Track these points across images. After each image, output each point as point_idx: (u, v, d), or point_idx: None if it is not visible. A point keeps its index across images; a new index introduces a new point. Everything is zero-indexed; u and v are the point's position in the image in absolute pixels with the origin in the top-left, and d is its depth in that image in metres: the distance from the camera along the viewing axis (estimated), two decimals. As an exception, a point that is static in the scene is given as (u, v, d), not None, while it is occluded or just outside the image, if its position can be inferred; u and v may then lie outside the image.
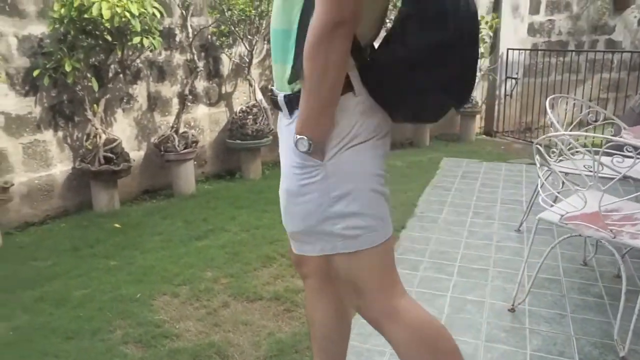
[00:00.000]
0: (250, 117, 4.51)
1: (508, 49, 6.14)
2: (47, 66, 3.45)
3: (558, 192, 2.43)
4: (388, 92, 1.19)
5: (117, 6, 3.18)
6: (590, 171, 2.43)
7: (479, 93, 6.28)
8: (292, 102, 1.20)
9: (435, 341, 1.29)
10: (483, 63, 6.11)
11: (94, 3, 3.12)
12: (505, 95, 6.24)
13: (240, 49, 4.59)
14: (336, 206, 1.18)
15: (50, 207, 3.79)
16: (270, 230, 3.43)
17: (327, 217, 1.19)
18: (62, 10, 3.24)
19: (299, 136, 1.14)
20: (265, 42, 4.64)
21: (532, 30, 6.39)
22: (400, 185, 4.38)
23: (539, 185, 2.47)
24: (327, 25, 1.05)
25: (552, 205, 2.36)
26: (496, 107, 6.36)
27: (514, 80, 6.18)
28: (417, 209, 3.78)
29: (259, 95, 4.57)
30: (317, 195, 1.19)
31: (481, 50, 5.98)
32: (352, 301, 1.34)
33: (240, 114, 4.54)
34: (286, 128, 1.25)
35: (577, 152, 2.76)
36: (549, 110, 3.04)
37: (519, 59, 6.11)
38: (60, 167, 3.79)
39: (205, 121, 4.64)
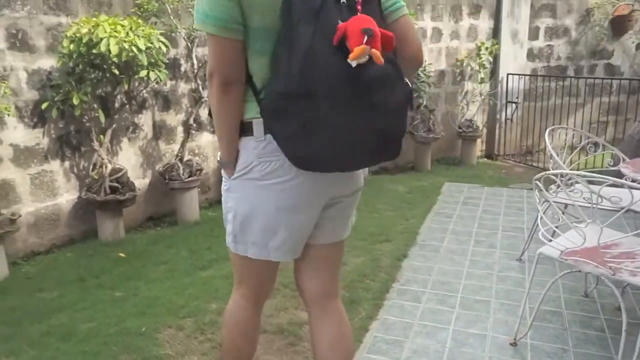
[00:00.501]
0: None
1: (508, 74, 6.22)
2: (56, 99, 3.53)
3: (557, 227, 2.47)
4: (273, 136, 1.35)
5: (125, 42, 3.26)
6: (590, 203, 2.46)
7: (479, 117, 6.35)
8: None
9: None
10: (483, 88, 6.19)
11: (102, 39, 3.20)
12: (506, 119, 6.31)
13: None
14: (226, 213, 1.56)
15: (56, 236, 3.83)
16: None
17: (225, 219, 1.58)
18: (72, 46, 3.33)
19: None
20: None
21: (531, 55, 6.48)
22: (403, 211, 4.42)
23: (539, 219, 2.51)
24: (210, 83, 1.37)
25: (551, 240, 2.39)
26: (497, 131, 6.42)
27: (514, 105, 6.25)
28: (419, 237, 3.81)
29: (263, 123, 4.63)
30: (223, 199, 1.57)
31: (481, 75, 6.07)
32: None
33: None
34: None
35: (576, 182, 2.80)
36: (548, 142, 3.09)
37: (519, 84, 6.19)
38: (67, 196, 3.85)
39: (209, 148, 4.70)
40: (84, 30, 3.27)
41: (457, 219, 4.21)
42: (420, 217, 4.24)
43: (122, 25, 3.37)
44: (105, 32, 3.24)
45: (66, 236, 3.88)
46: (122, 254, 3.64)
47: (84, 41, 3.27)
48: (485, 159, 6.49)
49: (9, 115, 3.35)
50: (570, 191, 2.86)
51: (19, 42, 3.47)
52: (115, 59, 3.32)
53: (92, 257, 3.63)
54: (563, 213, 2.46)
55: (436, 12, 5.87)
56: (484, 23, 6.19)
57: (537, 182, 2.38)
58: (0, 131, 3.44)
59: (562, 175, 3.01)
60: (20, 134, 3.55)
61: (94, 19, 3.41)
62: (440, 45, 6.01)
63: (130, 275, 3.31)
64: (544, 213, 2.52)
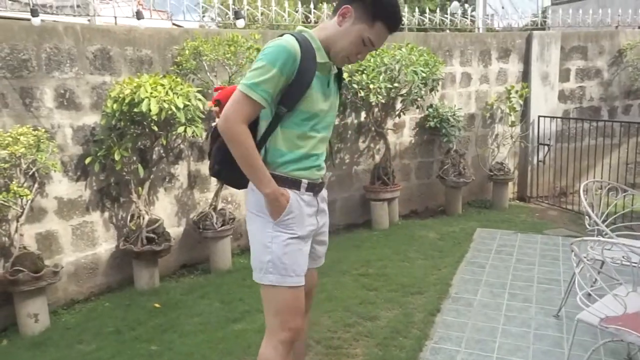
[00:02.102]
0: (285, 192, 4.64)
1: (539, 117, 6.18)
2: (98, 153, 3.70)
3: (593, 286, 2.42)
4: None
5: (165, 101, 3.42)
6: (629, 262, 2.41)
7: (511, 160, 6.30)
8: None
9: None
10: (514, 131, 6.16)
11: (143, 99, 3.36)
12: (538, 161, 6.24)
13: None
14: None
15: (94, 285, 3.95)
16: (305, 312, 3.47)
17: None
18: (114, 106, 3.50)
19: None
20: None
21: (562, 97, 6.44)
22: (434, 260, 4.38)
23: (576, 283, 2.46)
24: (232, 130, 1.83)
25: (590, 304, 2.34)
26: (529, 174, 6.35)
27: (546, 147, 6.19)
28: (452, 289, 3.77)
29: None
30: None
31: (512, 118, 6.05)
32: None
33: (276, 189, 4.67)
34: None
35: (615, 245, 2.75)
36: (583, 198, 3.05)
37: (551, 126, 6.14)
38: (105, 245, 3.98)
39: (242, 196, 4.80)
40: (127, 91, 3.44)
41: (490, 269, 4.15)
42: (452, 267, 4.20)
43: (162, 85, 3.54)
44: (147, 92, 3.40)
45: (104, 284, 4.00)
46: (157, 304, 3.71)
47: (126, 101, 3.43)
48: (518, 202, 6.40)
49: (55, 171, 3.53)
50: (608, 249, 2.81)
51: (67, 101, 3.67)
52: (155, 117, 3.47)
53: (129, 307, 3.72)
54: (599, 273, 2.42)
55: (465, 57, 5.93)
56: (514, 67, 6.21)
57: (573, 246, 2.35)
58: (47, 185, 3.62)
59: (599, 235, 2.96)
60: (64, 187, 3.71)
61: (137, 79, 3.59)
62: (470, 89, 6.04)
63: (166, 327, 3.37)
64: (580, 271, 2.48)
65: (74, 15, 4.68)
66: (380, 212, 5.30)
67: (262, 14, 5.08)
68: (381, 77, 4.58)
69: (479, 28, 6.84)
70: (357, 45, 1.83)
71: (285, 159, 1.89)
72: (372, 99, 4.58)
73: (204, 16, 5.20)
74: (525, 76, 6.24)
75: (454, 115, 5.52)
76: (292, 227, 1.91)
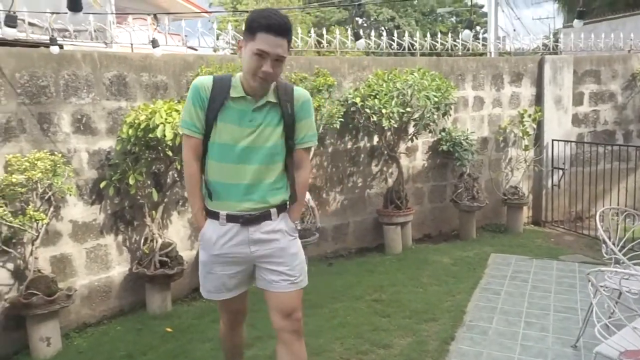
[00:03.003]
0: (298, 216, 4.63)
1: (553, 140, 6.15)
2: (113, 177, 3.74)
3: (611, 320, 2.36)
4: None
5: (179, 127, 3.46)
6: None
7: (525, 184, 6.25)
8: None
9: None
10: (528, 154, 6.12)
11: (158, 125, 3.41)
12: (553, 185, 6.18)
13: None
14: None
15: (107, 308, 3.95)
16: (316, 338, 3.42)
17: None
18: (130, 131, 3.56)
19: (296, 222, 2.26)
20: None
21: (576, 120, 6.41)
22: (449, 286, 4.32)
23: (593, 314, 2.41)
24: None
25: (608, 337, 2.29)
26: (544, 198, 6.28)
27: (560, 171, 6.13)
28: (466, 317, 3.70)
29: (307, 195, 4.73)
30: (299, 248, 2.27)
31: (525, 142, 6.02)
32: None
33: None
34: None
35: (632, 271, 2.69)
36: (599, 225, 3.01)
37: (565, 150, 6.09)
38: (119, 269, 3.99)
39: (254, 219, 4.80)
40: (142, 117, 3.50)
41: (505, 296, 4.08)
42: (466, 293, 4.13)
43: (177, 110, 3.59)
44: (162, 118, 3.45)
45: (116, 308, 4.00)
46: (169, 329, 3.70)
47: (141, 127, 3.49)
48: (532, 226, 6.32)
49: (70, 194, 3.57)
50: (626, 279, 2.75)
51: (83, 126, 3.73)
52: (169, 142, 3.51)
53: (140, 331, 3.71)
54: (616, 303, 2.37)
55: (477, 81, 5.95)
56: (526, 90, 6.20)
57: (589, 276, 2.31)
58: (62, 208, 3.66)
59: (617, 263, 2.91)
60: (79, 210, 3.75)
61: (152, 105, 3.65)
62: (483, 113, 6.04)
63: (177, 352, 3.35)
64: (597, 302, 2.43)
65: (94, 40, 4.79)
66: (393, 236, 5.26)
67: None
68: (393, 102, 4.60)
69: (490, 52, 6.87)
70: (255, 60, 1.94)
71: (205, 191, 2.15)
72: (385, 123, 4.60)
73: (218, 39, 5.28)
74: (538, 100, 6.23)
75: (466, 139, 5.51)
76: (205, 257, 2.22)
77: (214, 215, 2.13)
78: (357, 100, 4.73)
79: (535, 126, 6.11)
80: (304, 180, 2.25)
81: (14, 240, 3.38)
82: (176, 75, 4.19)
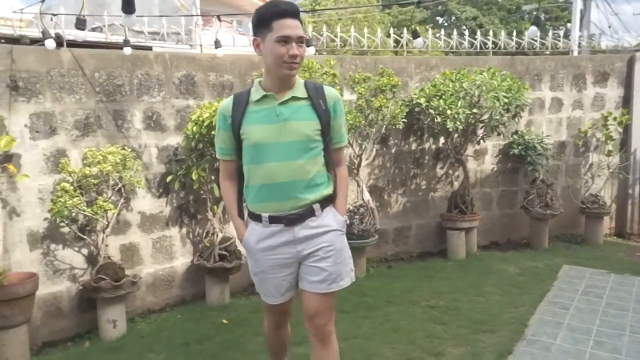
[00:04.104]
0: (357, 217, 4.62)
1: (641, 146, 5.65)
2: (179, 172, 3.92)
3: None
4: None
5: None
6: None
7: (607, 192, 5.79)
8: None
9: None
10: (611, 161, 5.67)
11: (220, 123, 3.52)
12: (640, 195, 5.68)
13: (349, 150, 4.80)
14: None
15: (170, 296, 4.15)
16: (368, 341, 3.39)
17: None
18: (194, 128, 3.71)
19: (344, 216, 2.23)
20: (375, 144, 4.80)
21: (670, 125, 5.83)
22: (512, 297, 4.10)
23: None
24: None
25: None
26: (629, 208, 5.78)
27: (649, 180, 5.62)
28: (528, 330, 3.50)
29: (367, 196, 4.69)
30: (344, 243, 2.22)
31: (609, 147, 5.58)
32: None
33: (348, 214, 4.66)
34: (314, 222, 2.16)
35: None
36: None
37: (655, 157, 5.58)
38: (182, 260, 4.18)
39: (314, 218, 4.83)
40: (206, 115, 3.63)
41: (574, 311, 3.80)
42: (531, 306, 3.90)
43: (239, 109, 3.68)
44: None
45: (179, 297, 4.19)
46: (225, 320, 3.82)
47: (205, 124, 3.62)
48: (615, 238, 5.84)
49: (139, 187, 3.79)
50: None
51: (153, 122, 3.95)
52: (230, 140, 3.62)
53: (199, 321, 3.85)
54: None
55: (556, 81, 5.59)
56: (612, 92, 5.74)
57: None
58: (132, 200, 3.89)
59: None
60: (147, 202, 3.97)
61: (215, 103, 3.78)
62: (561, 115, 5.67)
63: (230, 344, 3.45)
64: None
65: (180, 42, 5.09)
66: (456, 242, 5.08)
67: (340, 39, 5.17)
68: (459, 103, 4.43)
69: (573, 51, 6.42)
70: (279, 48, 1.95)
71: (245, 195, 2.18)
72: (449, 124, 4.45)
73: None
74: (626, 102, 5.75)
75: (541, 142, 5.20)
76: (250, 262, 2.25)
77: (257, 218, 2.13)
78: (422, 100, 4.61)
79: (621, 130, 5.64)
80: (344, 175, 2.26)
81: (88, 228, 3.64)
82: (242, 74, 4.31)
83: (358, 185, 4.73)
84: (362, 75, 4.45)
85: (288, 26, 1.94)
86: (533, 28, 3.12)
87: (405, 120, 4.61)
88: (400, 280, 4.60)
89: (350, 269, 2.23)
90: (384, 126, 4.54)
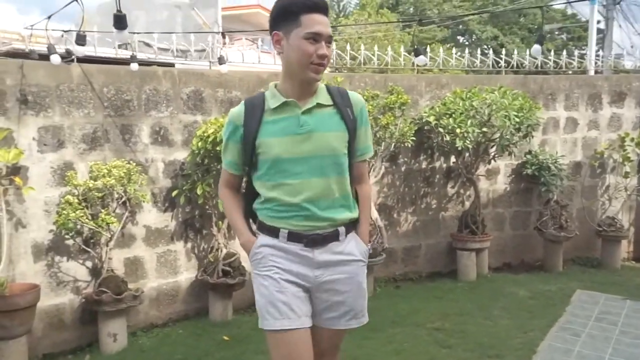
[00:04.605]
0: (364, 235, 4.55)
1: (661, 168, 5.48)
2: (184, 187, 3.94)
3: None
4: None
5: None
6: None
7: (625, 215, 5.62)
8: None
9: None
10: (629, 182, 5.51)
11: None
12: (660, 218, 5.50)
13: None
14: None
15: (173, 311, 4.13)
16: (368, 363, 3.31)
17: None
18: (200, 144, 3.73)
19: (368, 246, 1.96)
20: (383, 162, 4.76)
21: (691, 146, 5.66)
22: (521, 321, 3.97)
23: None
24: None
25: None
26: (648, 231, 5.60)
27: (669, 203, 5.44)
28: (535, 357, 3.37)
29: (375, 214, 4.63)
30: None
31: (626, 168, 5.43)
32: None
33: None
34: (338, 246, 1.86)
35: None
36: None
37: (675, 179, 5.40)
38: (186, 274, 4.17)
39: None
40: (211, 130, 3.65)
41: (586, 338, 3.66)
42: (541, 331, 3.77)
43: (244, 125, 3.69)
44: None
45: (182, 312, 4.17)
46: (226, 337, 3.78)
47: (210, 139, 3.64)
48: (633, 263, 5.65)
49: (144, 201, 3.81)
50: None
51: (161, 137, 3.98)
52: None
53: (200, 336, 3.82)
54: None
55: (570, 101, 5.49)
56: (629, 112, 5.61)
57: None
58: (137, 214, 3.91)
59: None
60: (153, 216, 3.98)
61: (221, 119, 3.80)
62: (576, 135, 5.55)
63: (229, 362, 3.40)
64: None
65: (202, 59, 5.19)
66: (466, 263, 4.97)
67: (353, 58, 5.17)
68: (469, 122, 4.38)
69: (588, 70, 6.32)
70: (307, 46, 1.69)
71: (258, 206, 1.87)
72: (458, 143, 4.39)
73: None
74: (645, 122, 5.60)
75: (555, 162, 5.09)
76: (260, 267, 1.84)
77: (273, 232, 1.82)
78: (431, 118, 4.57)
79: (639, 152, 5.49)
80: (368, 194, 2.00)
81: (92, 241, 3.66)
82: (250, 91, 4.33)
83: (366, 203, 4.67)
84: (371, 93, 4.44)
85: (319, 22, 1.69)
86: (536, 47, 3.07)
87: (414, 138, 4.56)
88: (407, 301, 4.50)
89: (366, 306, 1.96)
90: (393, 144, 4.50)
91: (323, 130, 1.77)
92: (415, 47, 4.05)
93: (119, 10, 2.14)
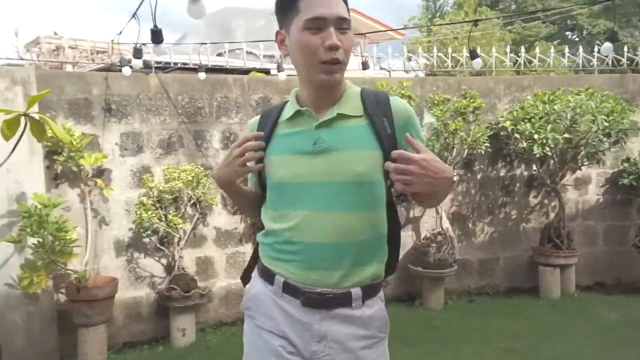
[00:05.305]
0: (434, 245, 4.39)
1: None
2: (252, 191, 4.06)
3: None
4: None
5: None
6: None
7: None
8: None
9: None
10: None
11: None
12: None
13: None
14: None
15: (240, 311, 4.26)
16: (425, 379, 3.19)
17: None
18: (264, 149, 3.83)
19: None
20: (455, 169, 4.55)
21: None
22: (605, 349, 3.59)
23: None
24: None
25: None
26: None
27: None
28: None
29: (446, 224, 4.45)
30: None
31: None
32: None
33: (424, 241, 4.47)
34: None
35: None
36: None
37: None
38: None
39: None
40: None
41: (683, 373, 3.22)
42: (628, 363, 3.38)
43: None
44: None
45: (249, 312, 4.30)
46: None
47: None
48: None
49: (214, 204, 3.99)
50: None
51: (231, 143, 4.15)
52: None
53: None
54: None
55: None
56: None
57: None
58: (208, 216, 4.11)
59: None
60: (222, 218, 4.16)
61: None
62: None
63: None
64: None
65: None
66: (549, 279, 4.60)
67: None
68: (549, 127, 4.04)
69: None
70: (309, 38, 1.28)
71: (260, 239, 1.50)
72: (536, 150, 4.07)
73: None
74: None
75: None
76: (251, 315, 1.49)
77: (268, 277, 1.42)
78: (507, 123, 4.29)
79: None
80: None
81: (166, 240, 3.92)
82: (318, 97, 4.37)
83: (437, 211, 4.51)
84: (441, 97, 4.27)
85: (322, 2, 1.28)
86: (607, 44, 2.73)
87: (488, 144, 4.31)
88: (479, 316, 4.27)
89: None
90: (465, 150, 4.30)
91: (343, 149, 1.34)
92: (472, 49, 3.81)
93: (155, 26, 2.26)
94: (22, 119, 2.52)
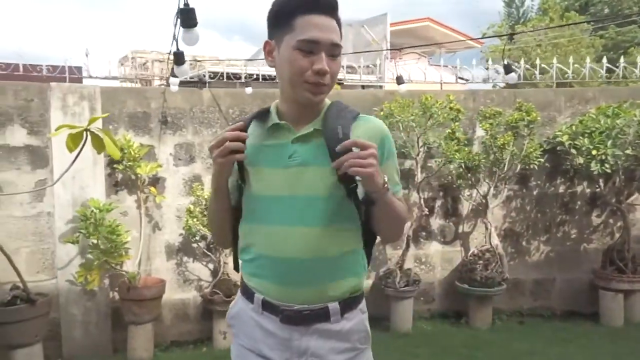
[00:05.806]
0: (481, 262, 4.25)
1: None
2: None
3: None
4: None
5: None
6: None
7: None
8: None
9: None
10: None
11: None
12: None
13: (484, 188, 4.44)
14: None
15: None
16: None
17: None
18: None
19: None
20: (506, 184, 4.37)
21: None
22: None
23: None
24: None
25: None
26: None
27: None
28: None
29: (495, 240, 4.29)
30: None
31: None
32: None
33: (471, 258, 4.33)
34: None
35: None
36: None
37: None
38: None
39: (437, 258, 4.60)
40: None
41: None
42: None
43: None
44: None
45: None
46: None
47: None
48: None
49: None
50: None
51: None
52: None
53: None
54: None
55: None
56: None
57: None
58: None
59: None
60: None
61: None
62: None
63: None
64: None
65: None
66: (610, 305, 4.28)
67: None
68: (609, 142, 3.78)
69: None
70: (299, 58, 1.28)
71: (240, 255, 1.48)
72: (594, 167, 3.81)
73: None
74: None
75: None
76: (235, 333, 1.48)
77: (248, 295, 1.42)
78: (565, 138, 4.06)
79: None
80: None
81: (212, 246, 4.11)
82: (365, 109, 4.36)
83: (486, 227, 4.36)
84: (493, 111, 4.13)
85: (318, 26, 1.28)
86: None
87: (541, 160, 4.10)
88: (528, 340, 4.06)
89: None
90: (518, 165, 4.12)
91: (315, 164, 1.33)
92: (506, 62, 3.64)
93: (178, 48, 2.40)
94: (84, 133, 2.77)
